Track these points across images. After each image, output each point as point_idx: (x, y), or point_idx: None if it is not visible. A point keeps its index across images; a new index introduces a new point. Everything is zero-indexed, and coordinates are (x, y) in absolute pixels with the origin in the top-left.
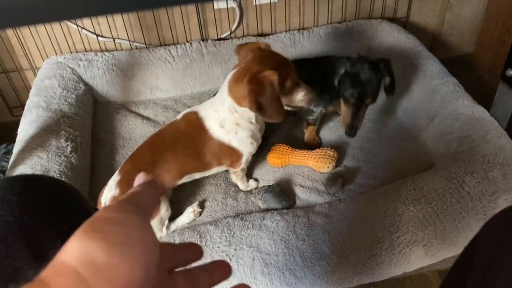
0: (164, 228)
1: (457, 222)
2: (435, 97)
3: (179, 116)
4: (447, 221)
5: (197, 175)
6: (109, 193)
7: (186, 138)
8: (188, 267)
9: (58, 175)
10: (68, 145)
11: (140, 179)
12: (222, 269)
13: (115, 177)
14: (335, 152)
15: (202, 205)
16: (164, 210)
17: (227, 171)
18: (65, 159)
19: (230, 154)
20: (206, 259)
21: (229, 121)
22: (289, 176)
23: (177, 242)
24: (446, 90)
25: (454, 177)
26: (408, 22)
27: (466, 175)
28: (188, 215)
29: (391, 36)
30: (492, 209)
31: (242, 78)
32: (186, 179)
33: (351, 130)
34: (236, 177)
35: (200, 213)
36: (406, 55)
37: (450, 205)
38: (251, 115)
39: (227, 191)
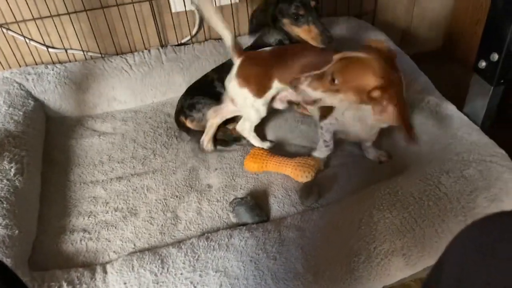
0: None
1: (437, 227)
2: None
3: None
4: (426, 226)
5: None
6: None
7: None
8: None
9: None
10: (12, 167)
11: None
12: None
13: None
14: (316, 161)
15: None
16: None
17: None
18: (8, 182)
19: None
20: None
21: None
22: (264, 185)
23: (135, 266)
24: (416, 88)
25: (430, 178)
26: (376, 18)
27: (441, 175)
28: (260, 141)
29: (358, 34)
30: (472, 209)
31: None
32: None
33: (328, 37)
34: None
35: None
36: None
37: (427, 208)
38: None
39: (190, 203)
